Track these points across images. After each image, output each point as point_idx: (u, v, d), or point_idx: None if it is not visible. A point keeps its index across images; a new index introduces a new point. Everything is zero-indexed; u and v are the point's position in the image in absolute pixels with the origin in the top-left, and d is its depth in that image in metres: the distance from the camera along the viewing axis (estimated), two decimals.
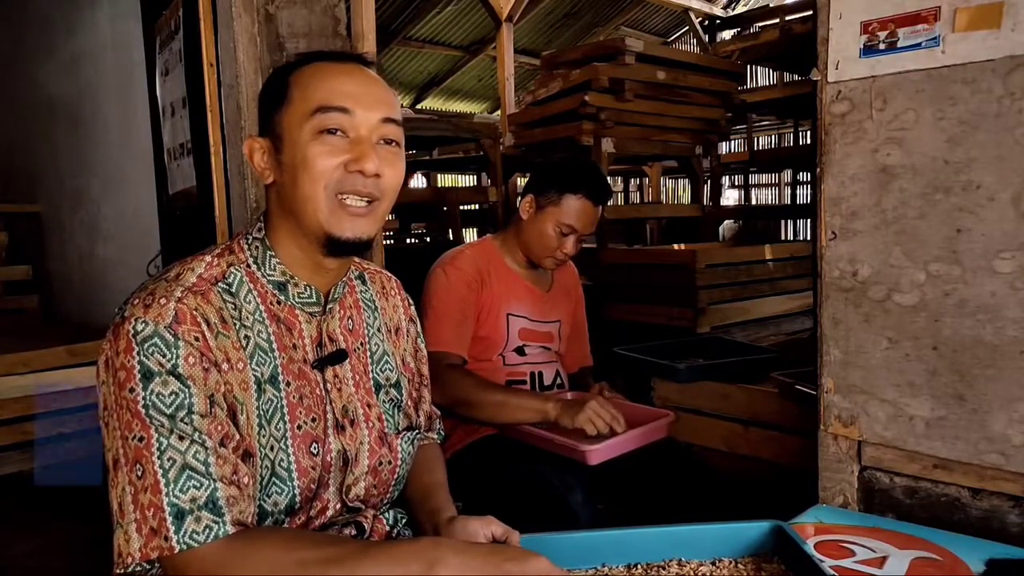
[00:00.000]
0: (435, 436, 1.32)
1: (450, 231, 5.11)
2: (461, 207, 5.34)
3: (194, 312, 0.92)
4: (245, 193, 2.20)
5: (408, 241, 6.71)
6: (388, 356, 1.17)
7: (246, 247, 1.04)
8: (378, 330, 1.17)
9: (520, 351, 1.92)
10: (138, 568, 0.85)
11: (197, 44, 2.29)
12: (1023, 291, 1.23)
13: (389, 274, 1.27)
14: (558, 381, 1.98)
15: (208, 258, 1.00)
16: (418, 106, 11.99)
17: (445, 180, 11.24)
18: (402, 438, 1.13)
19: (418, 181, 9.34)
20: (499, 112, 8.52)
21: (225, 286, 0.98)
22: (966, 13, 1.26)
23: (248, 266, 1.02)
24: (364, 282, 1.19)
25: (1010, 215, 1.24)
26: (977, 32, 1.25)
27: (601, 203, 1.88)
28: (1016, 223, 1.23)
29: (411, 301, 1.28)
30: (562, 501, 1.52)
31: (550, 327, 1.99)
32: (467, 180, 11.78)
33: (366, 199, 0.99)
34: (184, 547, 0.82)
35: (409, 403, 1.20)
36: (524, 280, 1.96)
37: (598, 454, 1.54)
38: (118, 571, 0.85)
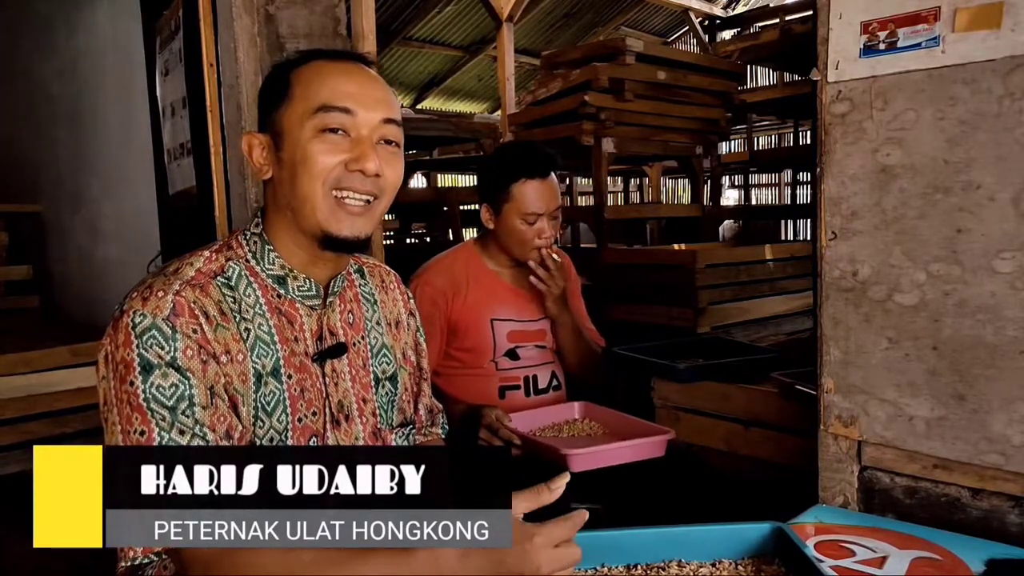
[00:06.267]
0: (439, 431, 1.31)
1: (450, 231, 5.11)
2: (461, 207, 5.34)
3: (192, 305, 0.92)
4: (245, 193, 2.21)
5: (408, 241, 6.71)
6: (387, 350, 1.18)
7: (244, 243, 1.04)
8: (377, 324, 1.17)
9: (513, 355, 1.89)
10: (144, 560, 0.86)
11: (197, 44, 2.30)
12: (1023, 291, 1.24)
13: (388, 268, 1.27)
14: (554, 383, 1.95)
15: (206, 253, 1.01)
16: (418, 106, 11.97)
17: (445, 180, 11.22)
18: (396, 434, 1.13)
19: (418, 181, 9.32)
20: (499, 112, 8.51)
21: (224, 279, 0.99)
22: (966, 13, 1.25)
23: (247, 261, 1.02)
24: (363, 276, 1.20)
25: (1010, 215, 1.24)
26: (977, 32, 1.25)
27: (548, 174, 1.82)
28: (1016, 223, 1.23)
29: (411, 295, 1.28)
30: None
31: (541, 324, 1.95)
32: (467, 180, 11.76)
33: (365, 197, 0.99)
34: None
35: (405, 397, 1.20)
36: (506, 281, 1.93)
37: (581, 461, 1.47)
38: (122, 564, 0.85)
